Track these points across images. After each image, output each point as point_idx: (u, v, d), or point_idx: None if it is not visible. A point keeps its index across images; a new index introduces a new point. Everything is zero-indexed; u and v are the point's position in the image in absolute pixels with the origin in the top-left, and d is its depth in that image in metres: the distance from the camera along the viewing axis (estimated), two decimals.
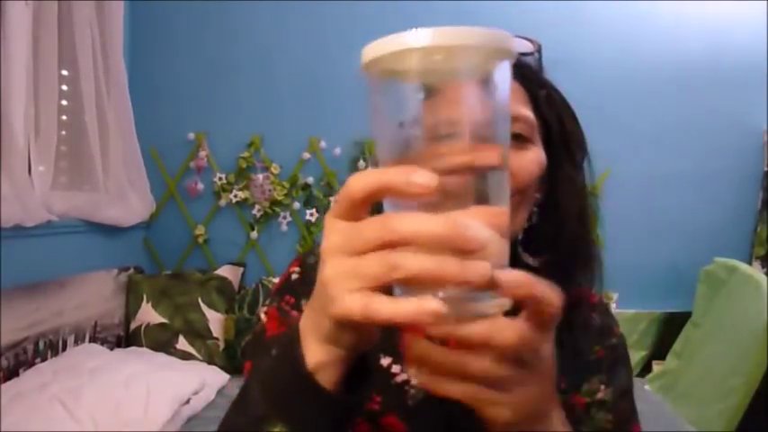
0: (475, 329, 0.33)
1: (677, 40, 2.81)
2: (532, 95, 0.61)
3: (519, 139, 0.58)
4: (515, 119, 0.58)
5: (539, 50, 0.66)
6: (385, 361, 0.63)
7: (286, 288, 0.70)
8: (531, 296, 0.34)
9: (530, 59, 0.65)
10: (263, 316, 0.72)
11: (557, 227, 0.62)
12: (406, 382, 0.63)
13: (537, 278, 0.34)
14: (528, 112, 0.59)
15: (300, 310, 0.67)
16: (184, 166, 2.90)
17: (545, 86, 0.63)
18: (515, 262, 0.62)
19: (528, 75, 0.62)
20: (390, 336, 0.63)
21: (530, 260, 0.62)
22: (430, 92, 0.33)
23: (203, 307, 2.63)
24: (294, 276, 0.70)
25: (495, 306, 0.33)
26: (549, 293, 0.34)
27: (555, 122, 0.63)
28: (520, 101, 0.60)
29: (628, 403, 0.65)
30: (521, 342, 0.34)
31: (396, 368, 0.63)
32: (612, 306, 2.67)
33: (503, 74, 0.35)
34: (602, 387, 0.64)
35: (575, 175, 0.65)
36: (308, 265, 0.71)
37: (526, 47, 0.65)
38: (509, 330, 0.34)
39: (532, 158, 0.59)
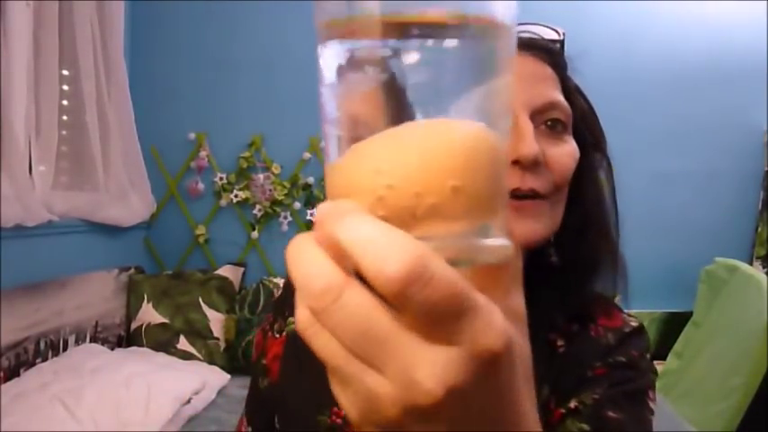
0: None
1: (678, 40, 2.81)
2: (563, 84, 0.58)
3: (558, 128, 0.55)
4: (554, 105, 0.55)
5: (563, 39, 0.63)
6: None
7: (271, 306, 0.72)
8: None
9: (558, 47, 0.62)
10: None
11: (580, 226, 0.59)
12: None
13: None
14: (564, 100, 0.56)
15: (277, 330, 0.69)
16: (185, 166, 2.90)
17: (570, 77, 0.61)
18: (544, 263, 0.59)
19: (559, 62, 0.59)
20: None
21: (553, 258, 0.59)
22: None
23: (204, 307, 2.63)
24: (278, 293, 0.72)
25: (491, 249, 0.24)
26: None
27: (580, 116, 0.60)
28: (555, 88, 0.57)
29: (622, 417, 0.55)
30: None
31: None
32: None
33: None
34: (585, 395, 0.56)
35: (598, 173, 0.63)
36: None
37: (552, 35, 0.63)
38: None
39: (571, 150, 0.56)
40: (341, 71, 0.26)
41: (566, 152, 0.55)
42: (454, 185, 0.22)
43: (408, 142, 0.23)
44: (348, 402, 0.24)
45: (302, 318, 0.23)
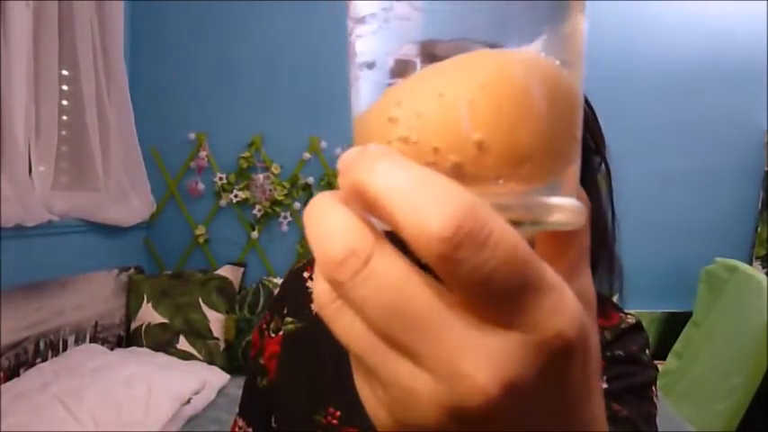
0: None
1: (678, 40, 2.81)
2: None
3: None
4: None
5: None
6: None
7: (269, 304, 0.72)
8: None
9: None
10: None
11: None
12: None
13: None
14: None
15: (273, 329, 0.69)
16: (185, 166, 2.90)
17: None
18: None
19: None
20: None
21: None
22: None
23: (204, 307, 2.63)
24: (276, 291, 0.72)
25: (560, 209, 0.19)
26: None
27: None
28: None
29: (628, 410, 0.55)
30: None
31: None
32: None
33: None
34: None
35: (596, 175, 0.63)
36: (291, 273, 0.72)
37: None
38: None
39: None
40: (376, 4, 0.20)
41: None
42: (479, 139, 0.17)
43: (434, 80, 0.18)
44: (375, 400, 0.19)
45: (320, 292, 0.19)
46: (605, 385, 0.57)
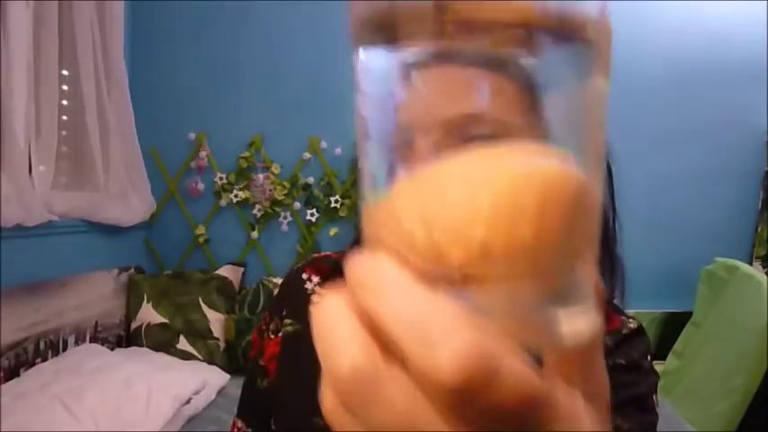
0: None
1: (678, 39, 2.81)
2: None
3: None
4: (473, 118, 0.53)
5: None
6: None
7: (268, 305, 0.72)
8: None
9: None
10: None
11: None
12: None
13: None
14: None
15: (273, 330, 0.69)
16: (185, 166, 2.90)
17: None
18: None
19: (527, 80, 0.58)
20: None
21: None
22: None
23: (204, 307, 2.63)
24: (276, 291, 0.72)
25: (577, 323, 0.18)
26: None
27: None
28: (511, 101, 0.56)
29: (629, 424, 0.54)
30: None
31: None
32: None
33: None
34: None
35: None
36: (290, 275, 0.72)
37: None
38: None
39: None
40: (388, 80, 0.20)
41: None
42: (483, 241, 0.17)
43: (445, 183, 0.17)
44: None
45: (327, 403, 0.19)
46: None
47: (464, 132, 0.48)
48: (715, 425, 2.11)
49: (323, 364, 0.18)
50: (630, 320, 0.63)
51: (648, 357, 0.61)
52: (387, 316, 0.17)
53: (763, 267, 2.71)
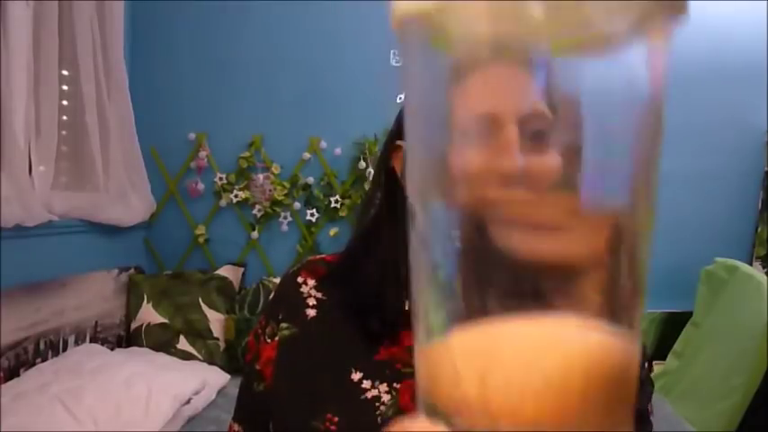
0: None
1: (678, 39, 2.79)
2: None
3: (539, 139, 0.54)
4: (536, 115, 0.54)
5: None
6: (356, 375, 0.62)
7: (265, 309, 0.72)
8: None
9: None
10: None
11: None
12: (377, 398, 0.61)
13: None
14: (547, 109, 0.55)
15: (269, 334, 0.69)
16: (185, 166, 2.90)
17: None
18: None
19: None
20: (364, 349, 0.62)
21: None
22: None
23: (204, 307, 2.63)
24: (272, 295, 0.72)
25: None
26: None
27: None
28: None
29: None
30: None
31: (366, 383, 0.61)
32: None
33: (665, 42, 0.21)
34: None
35: None
36: (286, 278, 0.72)
37: None
38: None
39: (555, 163, 0.54)
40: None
41: (552, 162, 0.54)
42: (533, 418, 0.18)
43: (498, 341, 0.19)
44: None
45: None
46: None
47: (532, 127, 0.50)
48: (715, 425, 2.11)
49: None
50: None
51: (645, 365, 0.61)
52: None
53: (763, 267, 2.71)
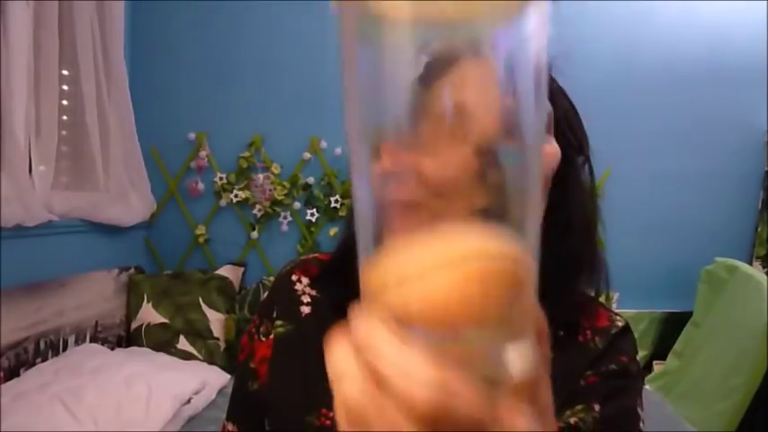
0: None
1: (677, 39, 2.81)
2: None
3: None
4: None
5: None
6: None
7: (258, 308, 0.72)
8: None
9: None
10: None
11: (563, 228, 0.59)
12: None
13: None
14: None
15: (263, 333, 0.69)
16: (185, 166, 2.90)
17: (554, 78, 0.60)
18: None
19: None
20: None
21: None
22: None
23: (204, 307, 2.63)
24: (265, 294, 0.72)
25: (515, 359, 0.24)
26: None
27: (563, 118, 0.59)
28: None
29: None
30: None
31: None
32: (613, 307, 2.67)
33: (539, 17, 0.24)
34: (578, 409, 0.56)
35: (581, 175, 0.62)
36: (280, 276, 0.72)
37: None
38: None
39: (550, 152, 0.54)
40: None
41: (546, 153, 0.54)
42: (450, 316, 0.22)
43: (415, 259, 0.23)
44: None
45: (340, 424, 0.24)
46: (598, 407, 0.57)
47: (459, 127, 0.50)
48: (715, 425, 2.11)
49: (334, 393, 0.24)
50: (618, 318, 0.64)
51: (636, 357, 0.62)
52: (377, 368, 0.23)
53: (763, 267, 2.71)
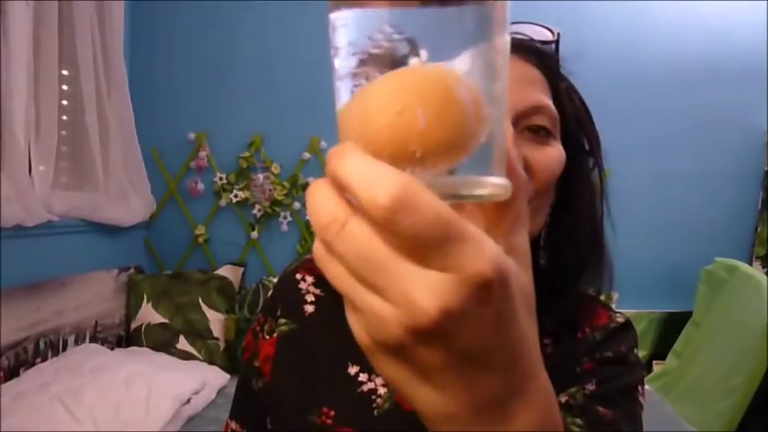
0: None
1: (677, 39, 2.81)
2: (553, 87, 0.58)
3: (541, 133, 0.55)
4: (538, 109, 0.54)
5: (557, 40, 0.62)
6: (353, 369, 0.63)
7: (262, 306, 0.73)
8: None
9: (549, 48, 0.61)
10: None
11: (570, 228, 0.60)
12: (374, 390, 0.61)
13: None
14: (551, 104, 0.56)
15: (267, 331, 0.69)
16: (185, 166, 2.90)
17: (565, 78, 0.60)
18: (533, 265, 0.59)
19: (549, 64, 0.59)
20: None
21: (542, 261, 0.60)
22: None
23: (204, 307, 2.63)
24: (270, 293, 0.72)
25: (490, 188, 0.25)
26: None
27: (573, 118, 0.60)
28: (542, 91, 0.56)
29: (613, 413, 0.56)
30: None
31: (363, 376, 0.62)
32: (613, 306, 2.67)
33: None
34: (572, 391, 0.57)
35: (590, 176, 0.62)
36: (284, 275, 0.72)
37: (545, 35, 0.61)
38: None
39: (554, 155, 0.55)
40: (350, 36, 0.27)
41: (549, 155, 0.55)
42: (406, 141, 0.24)
43: (375, 95, 0.25)
44: (359, 327, 0.26)
45: (316, 249, 0.26)
46: (593, 387, 0.57)
47: (528, 122, 0.56)
48: (715, 425, 2.11)
49: (312, 222, 0.25)
50: (618, 315, 0.64)
51: (635, 350, 0.62)
52: (343, 174, 0.23)
53: (763, 267, 2.71)
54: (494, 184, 0.26)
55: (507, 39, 0.27)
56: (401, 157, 0.24)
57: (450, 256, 0.23)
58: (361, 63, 0.26)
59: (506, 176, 0.27)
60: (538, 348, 0.28)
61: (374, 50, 0.26)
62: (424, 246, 0.23)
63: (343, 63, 0.28)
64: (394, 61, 0.25)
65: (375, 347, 0.25)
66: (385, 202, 0.22)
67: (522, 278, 0.27)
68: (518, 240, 0.28)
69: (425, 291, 0.23)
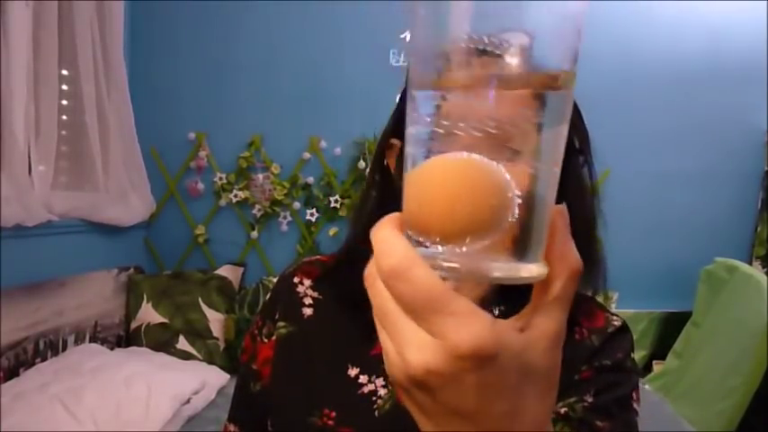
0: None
1: (677, 39, 2.81)
2: None
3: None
4: None
5: None
6: (353, 371, 0.63)
7: (261, 309, 0.73)
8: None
9: None
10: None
11: None
12: (374, 392, 0.62)
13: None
14: None
15: (266, 334, 0.70)
16: (185, 166, 2.90)
17: None
18: None
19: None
20: (360, 344, 0.63)
21: None
22: None
23: (203, 307, 2.63)
24: (268, 296, 0.73)
25: (510, 270, 0.27)
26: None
27: None
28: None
29: (610, 425, 0.57)
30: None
31: (363, 378, 0.62)
32: (612, 306, 2.67)
33: None
34: (570, 401, 0.57)
35: (581, 174, 0.63)
36: (282, 278, 0.72)
37: (525, 39, 0.62)
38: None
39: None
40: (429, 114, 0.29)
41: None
42: (440, 227, 0.27)
43: (416, 178, 0.28)
44: (384, 355, 0.29)
45: (367, 273, 0.29)
46: (591, 399, 0.57)
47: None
48: (715, 425, 2.11)
49: (376, 258, 0.28)
50: (615, 318, 0.64)
51: (632, 355, 0.63)
52: (374, 240, 0.28)
53: (763, 267, 2.71)
54: (516, 268, 0.27)
55: (566, 129, 0.29)
56: (429, 234, 0.27)
57: (435, 325, 0.25)
58: (432, 137, 0.28)
59: (548, 260, 0.29)
60: (541, 425, 0.29)
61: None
62: (414, 311, 0.26)
63: (420, 130, 0.29)
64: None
65: (392, 378, 0.29)
66: (386, 269, 0.26)
67: (530, 356, 0.28)
68: (542, 321, 0.29)
69: (414, 347, 0.26)
